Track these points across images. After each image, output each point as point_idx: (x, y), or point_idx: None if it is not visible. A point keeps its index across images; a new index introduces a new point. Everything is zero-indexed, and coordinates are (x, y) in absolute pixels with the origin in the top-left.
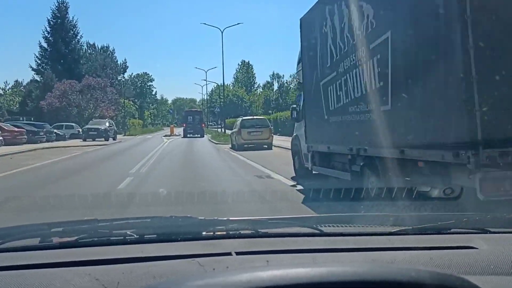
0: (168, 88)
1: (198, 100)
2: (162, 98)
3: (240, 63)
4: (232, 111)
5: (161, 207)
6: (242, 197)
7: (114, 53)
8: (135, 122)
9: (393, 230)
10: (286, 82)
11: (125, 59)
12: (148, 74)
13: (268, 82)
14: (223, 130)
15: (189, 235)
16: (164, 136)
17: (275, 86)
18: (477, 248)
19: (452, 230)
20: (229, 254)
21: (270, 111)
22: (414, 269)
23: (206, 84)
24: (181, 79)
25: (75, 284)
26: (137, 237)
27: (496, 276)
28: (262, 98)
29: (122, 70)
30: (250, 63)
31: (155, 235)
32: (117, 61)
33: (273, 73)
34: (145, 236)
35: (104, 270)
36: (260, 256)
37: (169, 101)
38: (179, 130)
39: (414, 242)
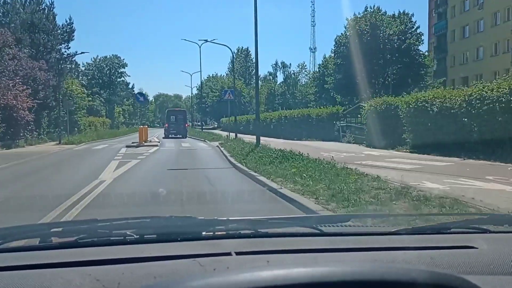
0: (149, 82)
1: (184, 97)
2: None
3: (236, 50)
4: (227, 107)
5: None
6: None
7: (53, 8)
8: (96, 121)
9: (393, 230)
10: (294, 73)
11: (70, 19)
12: (119, 57)
13: (270, 73)
14: (232, 134)
15: (189, 235)
16: (128, 146)
17: (280, 78)
18: (477, 248)
19: (452, 230)
20: (229, 254)
21: (276, 107)
22: (415, 269)
23: (200, 65)
24: (164, 70)
25: (76, 284)
26: (137, 237)
27: (496, 276)
28: (265, 92)
29: (64, 37)
30: (249, 49)
31: (155, 235)
32: (55, 20)
33: (276, 62)
34: (145, 236)
35: (105, 271)
36: (261, 256)
37: (150, 98)
38: (160, 133)
39: (414, 242)
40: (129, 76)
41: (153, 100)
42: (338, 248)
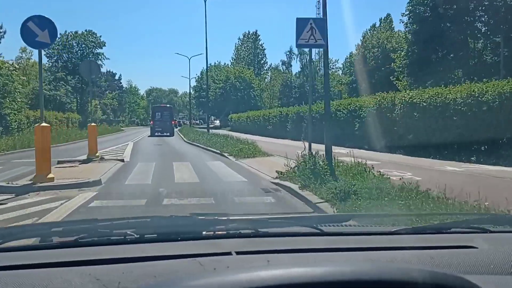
0: (140, 74)
1: (180, 92)
2: (131, 86)
3: (242, 35)
4: (233, 102)
5: None
6: None
7: None
8: (49, 116)
9: (393, 230)
10: (313, 62)
11: None
12: (94, 33)
13: (283, 62)
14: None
15: (190, 235)
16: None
17: (295, 68)
18: (477, 248)
19: (452, 230)
20: (229, 253)
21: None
22: (415, 268)
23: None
24: (157, 58)
25: (75, 284)
26: (137, 237)
27: (496, 276)
28: (278, 84)
29: None
30: (258, 33)
31: (156, 235)
32: None
33: (291, 49)
34: (146, 236)
35: (105, 270)
36: (261, 255)
37: (142, 92)
38: (144, 134)
39: (414, 242)
40: (108, 59)
41: (145, 96)
42: (338, 248)
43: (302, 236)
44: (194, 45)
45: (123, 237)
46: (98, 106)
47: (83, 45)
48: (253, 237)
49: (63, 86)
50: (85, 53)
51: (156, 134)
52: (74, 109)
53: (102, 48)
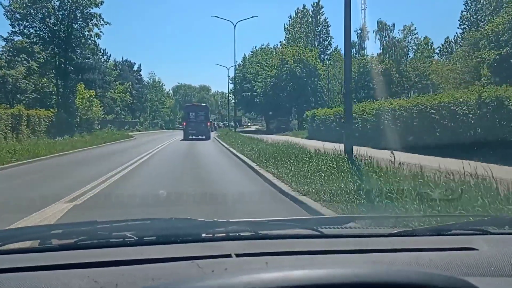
0: (165, 67)
1: (213, 90)
2: (153, 80)
3: (295, 12)
4: (291, 96)
5: None
6: None
7: None
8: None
9: (393, 232)
10: (396, 41)
11: None
12: None
13: (354, 44)
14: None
15: (189, 237)
16: None
17: (372, 48)
18: (477, 250)
19: (453, 232)
20: (228, 256)
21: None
22: (415, 271)
23: None
24: (186, 50)
25: (74, 286)
26: (136, 239)
27: (497, 278)
28: (354, 70)
29: None
30: (321, 3)
31: (155, 237)
32: None
33: (362, 29)
34: (145, 238)
35: (103, 272)
36: (260, 258)
37: (168, 89)
38: (178, 137)
39: (415, 244)
40: (109, 23)
41: (171, 93)
42: (338, 250)
43: (302, 238)
44: (225, 35)
45: (122, 240)
46: (95, 100)
47: (68, 1)
48: (253, 239)
49: (24, 62)
50: (70, 13)
51: (190, 137)
52: (53, 102)
53: (98, 7)
